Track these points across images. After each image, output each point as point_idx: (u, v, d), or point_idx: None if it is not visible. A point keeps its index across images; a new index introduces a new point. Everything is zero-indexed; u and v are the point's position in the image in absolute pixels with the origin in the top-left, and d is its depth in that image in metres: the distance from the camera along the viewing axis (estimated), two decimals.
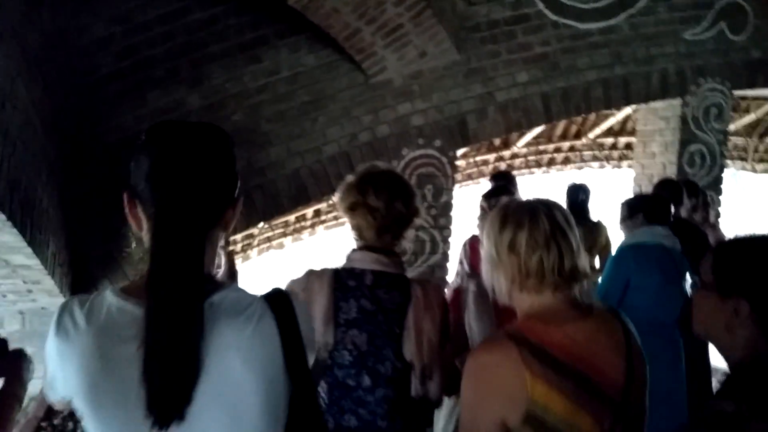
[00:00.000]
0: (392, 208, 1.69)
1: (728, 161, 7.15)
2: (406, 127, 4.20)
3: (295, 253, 8.24)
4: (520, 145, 7.70)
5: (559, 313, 1.25)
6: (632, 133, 7.07)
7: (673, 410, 3.03)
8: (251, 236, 6.78)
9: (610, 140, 8.26)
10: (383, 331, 1.66)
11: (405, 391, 1.68)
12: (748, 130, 8.99)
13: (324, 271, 1.71)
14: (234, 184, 0.98)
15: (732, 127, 7.07)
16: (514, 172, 7.89)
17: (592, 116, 7.50)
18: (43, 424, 2.59)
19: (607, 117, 7.54)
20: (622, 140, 8.23)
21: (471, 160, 7.62)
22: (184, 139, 0.93)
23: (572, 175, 8.27)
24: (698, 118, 5.12)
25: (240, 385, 0.89)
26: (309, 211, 7.06)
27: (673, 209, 3.67)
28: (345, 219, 1.82)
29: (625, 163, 8.38)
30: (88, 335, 0.88)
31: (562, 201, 4.28)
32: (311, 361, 1.00)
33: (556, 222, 1.27)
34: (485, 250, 1.35)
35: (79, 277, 3.36)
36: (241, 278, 1.51)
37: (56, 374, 0.91)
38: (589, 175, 8.53)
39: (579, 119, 7.60)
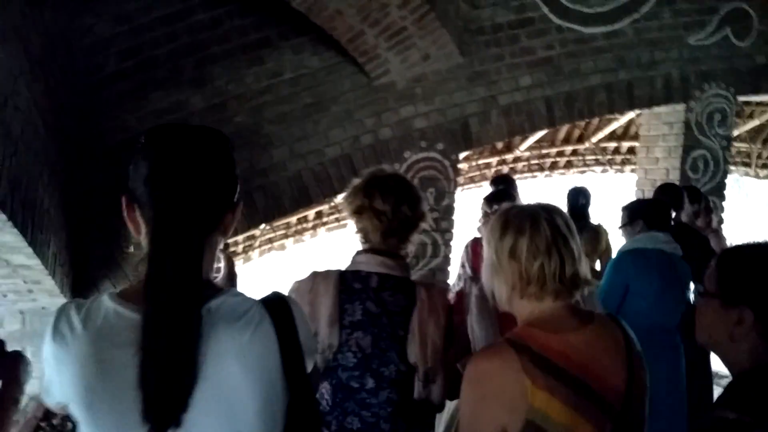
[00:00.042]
0: (398, 211, 1.70)
1: (731, 167, 7.14)
2: (408, 130, 4.19)
3: (296, 254, 8.24)
4: (523, 148, 7.68)
5: (559, 320, 1.24)
6: (635, 137, 7.05)
7: (673, 416, 3.02)
8: (253, 237, 6.77)
9: (613, 144, 8.24)
10: (388, 333, 1.66)
11: (408, 395, 1.68)
12: (752, 136, 8.98)
13: (329, 272, 1.71)
14: (233, 189, 0.98)
15: (735, 132, 7.05)
16: (517, 176, 7.89)
17: (596, 120, 7.49)
18: (42, 423, 2.59)
19: (610, 121, 7.52)
20: (625, 145, 8.21)
21: (473, 163, 7.61)
22: (183, 143, 0.92)
23: (575, 179, 8.25)
24: (702, 124, 5.11)
25: (237, 391, 0.88)
26: (311, 213, 7.06)
27: (673, 214, 3.66)
28: (350, 221, 1.82)
29: (627, 167, 8.36)
30: (85, 340, 0.87)
31: (564, 205, 4.28)
32: (310, 366, 0.99)
33: (557, 228, 1.26)
34: (485, 255, 1.34)
35: (80, 277, 3.36)
36: (240, 281, 1.51)
37: (52, 379, 0.90)
38: (591, 179, 8.51)
39: (582, 123, 7.58)
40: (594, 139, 7.97)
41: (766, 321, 1.08)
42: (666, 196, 3.88)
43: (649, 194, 4.86)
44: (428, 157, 4.25)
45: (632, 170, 7.55)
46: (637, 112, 5.71)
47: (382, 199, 1.69)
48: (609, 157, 8.39)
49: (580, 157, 8.38)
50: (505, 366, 1.15)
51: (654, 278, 3.04)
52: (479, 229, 4.24)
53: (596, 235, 4.16)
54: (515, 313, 1.31)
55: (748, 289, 1.10)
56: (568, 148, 8.17)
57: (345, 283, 1.69)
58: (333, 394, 1.69)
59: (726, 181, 5.40)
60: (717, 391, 3.85)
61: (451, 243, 4.44)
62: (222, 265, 1.12)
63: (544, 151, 8.00)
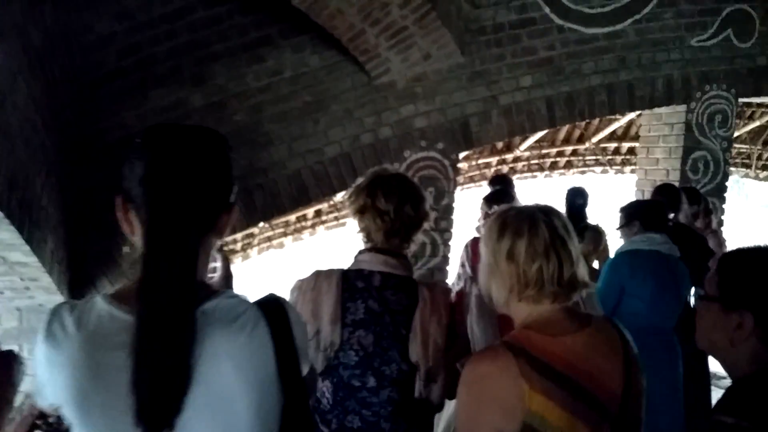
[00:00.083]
0: (401, 211, 1.70)
1: (731, 168, 7.13)
2: (408, 129, 4.18)
3: (295, 252, 8.23)
4: (523, 148, 7.67)
5: (557, 323, 1.24)
6: (636, 138, 7.05)
7: (670, 418, 3.02)
8: (251, 235, 6.77)
9: (613, 145, 8.24)
10: (390, 332, 1.66)
11: (409, 394, 1.68)
12: (753, 137, 8.98)
13: (332, 271, 1.71)
14: (229, 190, 0.97)
15: (736, 133, 7.05)
16: (517, 176, 7.90)
17: (596, 121, 7.48)
18: (39, 422, 2.58)
19: (610, 122, 7.51)
20: (626, 145, 8.21)
21: (473, 162, 7.60)
22: (179, 143, 0.91)
23: (575, 179, 8.24)
24: (702, 125, 5.10)
25: (232, 395, 0.88)
26: (310, 211, 7.05)
27: (671, 215, 3.66)
28: (352, 220, 1.82)
29: (627, 168, 8.36)
30: (78, 342, 0.86)
31: (562, 205, 4.29)
32: (305, 370, 0.98)
33: (555, 230, 1.25)
34: (483, 257, 1.33)
35: (78, 274, 3.36)
36: (237, 280, 1.51)
37: (45, 381, 0.89)
38: (591, 179, 8.51)
39: (582, 124, 7.57)
40: (594, 140, 7.97)
41: (767, 325, 1.08)
42: (663, 196, 3.88)
43: (648, 195, 4.86)
44: (428, 157, 4.24)
45: (632, 171, 7.55)
46: (638, 112, 5.70)
47: (385, 198, 1.69)
48: (609, 157, 8.38)
49: (580, 158, 8.37)
50: (502, 369, 1.15)
51: (649, 279, 3.04)
52: (478, 229, 4.24)
53: (598, 235, 4.16)
54: (512, 315, 1.30)
55: (748, 293, 1.09)
56: (568, 149, 8.16)
57: (348, 282, 1.69)
58: (334, 392, 1.69)
59: (726, 182, 5.39)
60: (715, 393, 3.87)
61: (450, 243, 4.43)
62: (218, 264, 1.12)
63: (544, 151, 7.99)
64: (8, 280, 2.84)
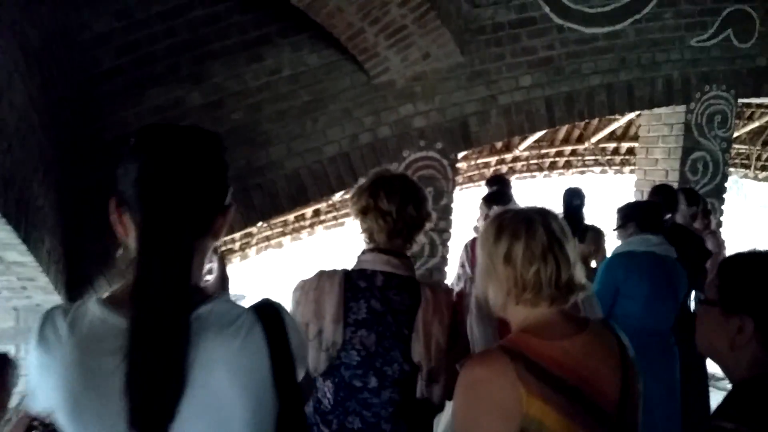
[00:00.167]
0: (404, 212, 1.71)
1: (731, 168, 7.13)
2: (407, 129, 4.17)
3: (294, 252, 8.23)
4: (522, 148, 7.67)
5: (554, 326, 1.23)
6: (635, 138, 7.04)
7: (667, 419, 3.01)
8: (250, 235, 6.76)
9: (612, 145, 8.23)
10: (392, 332, 1.66)
11: (410, 395, 1.68)
12: (752, 138, 8.98)
13: (335, 271, 1.72)
14: (225, 192, 0.96)
15: (735, 134, 7.04)
16: (516, 176, 7.90)
17: (595, 121, 7.47)
18: (35, 422, 2.57)
19: (610, 122, 7.51)
20: (625, 145, 8.20)
21: (472, 162, 7.60)
22: (173, 144, 0.90)
23: (574, 179, 8.24)
24: (702, 125, 5.09)
25: (226, 400, 0.87)
26: (308, 211, 7.04)
27: (668, 215, 3.66)
28: (355, 221, 1.83)
29: (627, 168, 8.36)
30: (70, 347, 0.85)
31: (560, 206, 4.29)
32: (300, 375, 0.97)
33: (552, 233, 1.25)
34: (479, 261, 1.32)
35: (75, 274, 3.34)
36: (233, 282, 1.49)
37: (38, 385, 0.88)
38: (590, 180, 8.51)
39: (582, 124, 7.57)
40: (593, 140, 7.96)
41: (767, 330, 1.07)
42: (659, 197, 3.88)
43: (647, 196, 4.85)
44: (427, 157, 4.23)
45: (631, 171, 7.55)
46: (637, 113, 5.70)
47: (388, 199, 1.70)
48: (608, 157, 8.38)
49: (580, 158, 8.37)
50: (499, 373, 1.14)
51: (644, 281, 3.04)
52: (476, 229, 4.23)
53: (598, 236, 4.16)
54: (509, 318, 1.29)
55: (748, 297, 1.09)
56: (568, 149, 8.16)
57: (350, 282, 1.69)
58: (335, 392, 1.69)
59: (725, 183, 5.39)
60: (713, 394, 3.88)
61: (449, 243, 4.43)
62: (214, 266, 1.10)
63: (543, 151, 7.99)
64: (5, 280, 2.83)
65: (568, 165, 8.38)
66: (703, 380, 3.79)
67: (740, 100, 5.45)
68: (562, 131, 7.80)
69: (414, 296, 1.69)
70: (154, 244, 0.85)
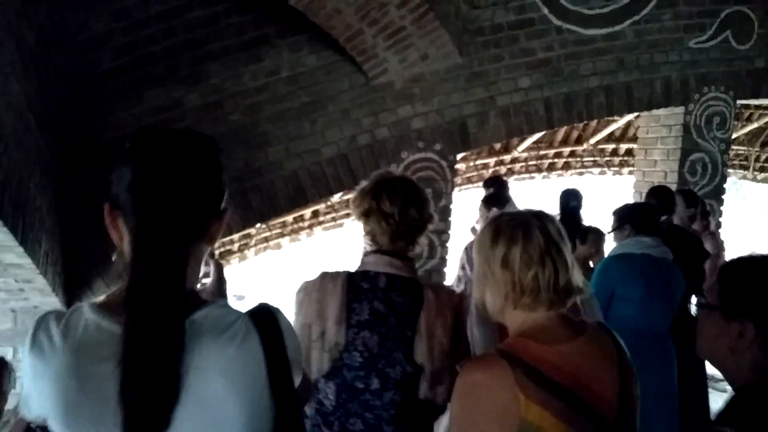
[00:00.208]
0: (406, 214, 1.71)
1: (729, 170, 7.13)
2: (406, 130, 4.16)
3: (292, 253, 8.22)
4: (521, 149, 7.66)
5: (553, 331, 1.22)
6: (634, 139, 7.04)
7: (665, 422, 3.00)
8: (248, 236, 6.75)
9: (611, 146, 8.23)
10: (395, 333, 1.66)
11: (412, 397, 1.68)
12: (750, 139, 8.99)
13: (338, 273, 1.73)
14: (220, 196, 0.95)
15: (734, 135, 7.04)
16: (514, 177, 7.89)
17: (594, 122, 7.47)
18: (33, 425, 2.56)
19: (608, 123, 7.50)
20: (623, 146, 8.20)
21: (471, 163, 7.59)
22: (168, 148, 0.89)
23: (573, 180, 8.24)
24: (701, 127, 5.09)
25: (221, 407, 0.86)
26: (307, 212, 7.03)
27: (664, 217, 3.65)
28: (356, 223, 1.84)
29: (625, 169, 8.36)
30: (64, 353, 0.84)
31: (557, 207, 4.28)
32: (297, 380, 0.96)
33: (550, 236, 1.24)
34: (476, 265, 1.31)
35: (73, 275, 3.33)
36: (231, 285, 1.49)
37: (31, 392, 0.87)
38: (589, 181, 8.51)
39: (580, 125, 7.56)
40: (592, 141, 7.96)
41: None
42: (656, 198, 3.87)
43: None
44: (425, 158, 4.23)
45: (630, 172, 7.55)
46: (636, 114, 5.70)
47: (390, 201, 1.70)
48: (607, 158, 8.38)
49: (578, 159, 8.36)
50: (497, 379, 1.13)
51: (639, 283, 3.03)
52: (473, 231, 4.23)
53: (599, 237, 4.15)
54: (507, 323, 1.28)
55: (749, 302, 1.08)
56: (566, 150, 8.15)
57: (353, 283, 1.70)
58: (337, 394, 1.69)
59: (724, 184, 5.39)
60: (712, 395, 3.88)
61: (447, 244, 4.42)
62: (211, 269, 1.09)
63: (542, 153, 7.98)
64: (2, 282, 2.82)
65: (566, 166, 8.37)
66: (702, 381, 3.79)
67: (739, 102, 5.45)
68: (561, 132, 7.80)
69: (417, 298, 1.69)
70: (148, 249, 0.84)
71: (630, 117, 6.92)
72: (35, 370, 0.85)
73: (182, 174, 0.88)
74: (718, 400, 3.73)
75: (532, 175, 8.24)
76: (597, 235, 4.12)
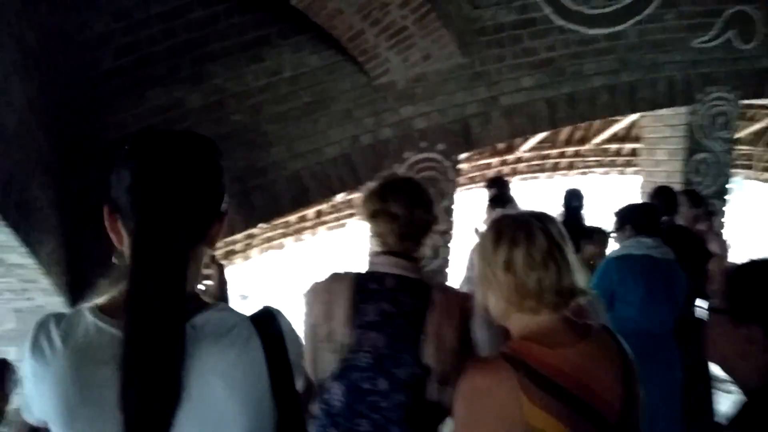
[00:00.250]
0: (413, 215, 1.71)
1: (733, 170, 7.09)
2: (408, 130, 4.15)
3: (296, 253, 8.22)
4: (524, 149, 7.65)
5: (556, 334, 1.21)
6: (637, 139, 7.02)
7: (666, 422, 2.99)
8: (252, 236, 6.74)
9: (614, 146, 8.21)
10: (403, 334, 1.66)
11: (419, 399, 1.67)
12: (754, 139, 8.95)
13: (346, 274, 1.74)
14: (220, 198, 0.94)
15: (737, 135, 7.01)
16: (518, 177, 7.87)
17: (597, 122, 7.45)
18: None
19: (612, 123, 7.49)
20: (627, 146, 8.18)
21: (474, 163, 7.57)
22: (167, 150, 0.88)
23: (576, 180, 8.22)
24: (705, 127, 5.07)
25: (223, 411, 0.85)
26: (310, 212, 7.03)
27: (665, 217, 3.63)
28: (364, 224, 1.84)
29: (629, 169, 8.33)
30: (64, 356, 0.83)
31: (560, 207, 4.27)
32: (299, 384, 0.95)
33: (552, 238, 1.22)
34: (477, 268, 1.29)
35: (76, 275, 3.33)
36: (234, 286, 1.48)
37: (32, 396, 0.87)
38: (593, 181, 8.49)
39: (584, 124, 7.54)
40: (596, 141, 7.94)
41: None
42: (658, 199, 3.85)
43: None
44: (428, 158, 4.22)
45: (634, 172, 7.52)
46: (640, 114, 5.68)
47: (397, 203, 1.71)
48: (611, 158, 8.35)
49: (582, 159, 8.34)
50: (501, 382, 1.12)
51: (640, 284, 3.02)
52: (477, 231, 4.22)
53: (605, 238, 4.14)
54: (510, 326, 1.27)
55: (757, 305, 1.07)
56: (570, 150, 8.13)
57: (361, 284, 1.70)
58: (344, 394, 1.68)
59: (728, 184, 5.37)
60: (717, 396, 3.85)
61: (450, 245, 4.41)
62: (212, 272, 1.09)
63: (545, 152, 7.96)
64: (6, 282, 2.82)
65: (570, 166, 8.35)
66: (707, 382, 3.77)
67: (743, 102, 5.43)
68: (565, 132, 7.78)
69: (424, 299, 1.69)
70: (147, 252, 0.84)
71: (634, 117, 6.90)
72: (36, 374, 0.85)
73: (182, 176, 0.87)
74: (722, 401, 3.71)
75: (536, 175, 8.23)
76: (602, 235, 4.12)
